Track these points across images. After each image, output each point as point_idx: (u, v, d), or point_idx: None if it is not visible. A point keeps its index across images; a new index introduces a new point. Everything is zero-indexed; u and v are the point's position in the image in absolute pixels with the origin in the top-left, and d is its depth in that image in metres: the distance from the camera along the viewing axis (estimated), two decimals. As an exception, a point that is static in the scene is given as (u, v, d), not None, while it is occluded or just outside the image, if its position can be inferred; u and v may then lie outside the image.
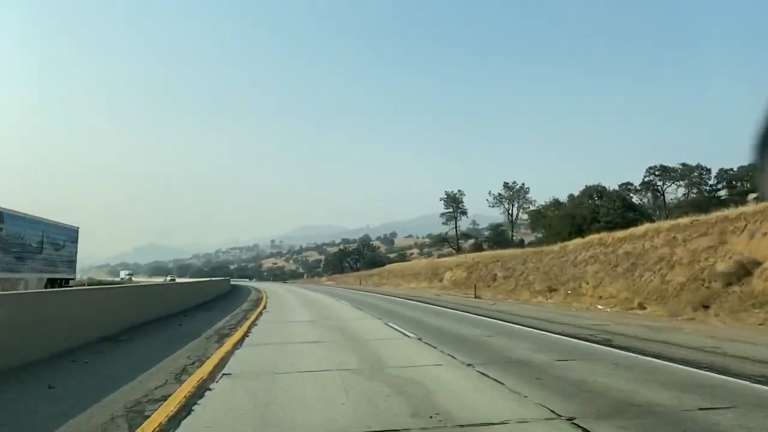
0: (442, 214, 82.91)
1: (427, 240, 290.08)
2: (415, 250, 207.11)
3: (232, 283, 74.60)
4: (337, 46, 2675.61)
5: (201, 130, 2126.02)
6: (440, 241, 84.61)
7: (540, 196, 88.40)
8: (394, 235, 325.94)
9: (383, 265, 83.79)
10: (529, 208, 78.45)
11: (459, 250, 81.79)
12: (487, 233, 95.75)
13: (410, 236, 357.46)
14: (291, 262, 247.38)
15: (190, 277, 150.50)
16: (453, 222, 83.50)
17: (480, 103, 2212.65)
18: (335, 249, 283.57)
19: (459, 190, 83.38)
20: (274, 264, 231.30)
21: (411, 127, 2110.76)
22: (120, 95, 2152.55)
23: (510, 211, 78.90)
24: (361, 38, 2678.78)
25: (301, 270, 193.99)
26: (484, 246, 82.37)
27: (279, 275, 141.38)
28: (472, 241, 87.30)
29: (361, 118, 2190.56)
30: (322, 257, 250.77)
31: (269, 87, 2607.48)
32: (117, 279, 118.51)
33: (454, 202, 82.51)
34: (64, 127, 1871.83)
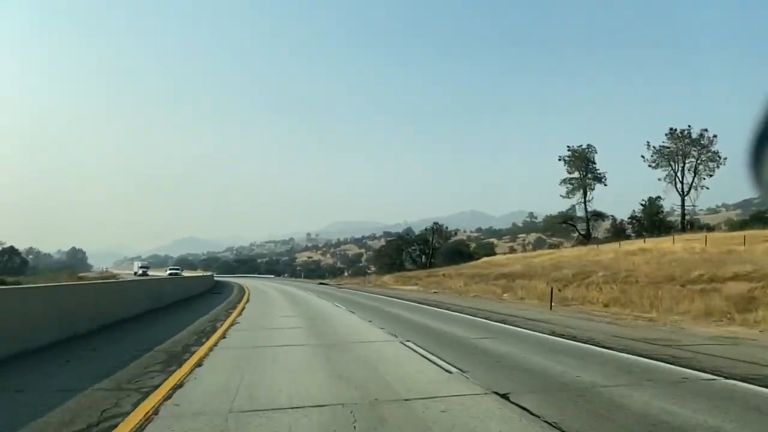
0: (564, 181, 53.75)
1: (479, 234, 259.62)
2: (472, 244, 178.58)
3: (236, 282, 49.38)
4: (368, 45, 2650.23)
5: (238, 127, 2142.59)
6: (561, 222, 54.85)
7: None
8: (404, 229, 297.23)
9: (471, 257, 55.59)
10: (715, 167, 48.47)
11: (589, 238, 52.66)
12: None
13: (457, 230, 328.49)
14: (328, 256, 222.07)
15: (214, 271, 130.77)
16: (575, 195, 53.99)
17: (516, 99, 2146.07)
18: (377, 242, 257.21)
19: (588, 145, 53.96)
20: (309, 258, 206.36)
21: (446, 127, 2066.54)
22: (152, 93, 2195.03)
23: (679, 174, 48.78)
24: (397, 34, 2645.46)
25: (340, 265, 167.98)
26: (629, 231, 53.03)
27: (314, 270, 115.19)
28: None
29: (399, 118, 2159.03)
30: (363, 251, 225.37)
31: (301, 86, 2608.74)
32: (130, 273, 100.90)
33: (584, 161, 53.15)
34: (97, 126, 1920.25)
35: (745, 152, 1.68)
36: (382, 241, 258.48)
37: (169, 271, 79.20)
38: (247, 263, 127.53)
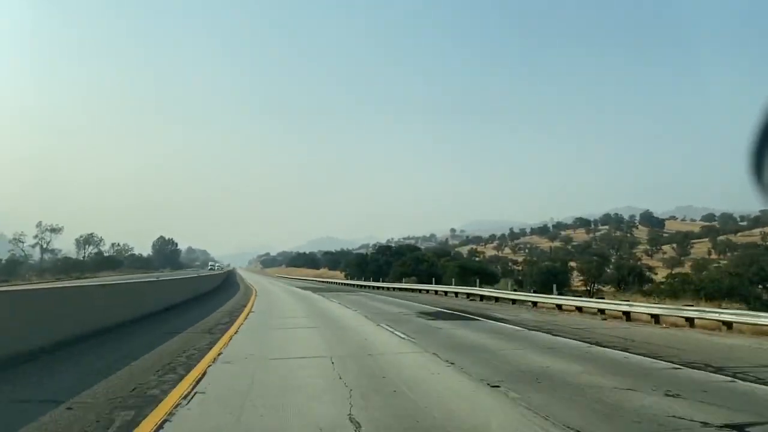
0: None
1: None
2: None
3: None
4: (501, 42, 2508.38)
5: (372, 127, 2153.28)
6: None
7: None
8: (649, 216, 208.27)
9: None
10: None
11: None
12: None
13: (672, 218, 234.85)
14: (506, 250, 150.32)
15: (340, 270, 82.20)
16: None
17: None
18: (572, 233, 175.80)
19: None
20: (479, 252, 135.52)
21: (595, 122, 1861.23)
22: (295, 95, 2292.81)
23: None
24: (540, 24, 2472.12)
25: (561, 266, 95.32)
26: None
27: (555, 276, 44.59)
28: None
29: (522, 118, 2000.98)
30: (559, 243, 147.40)
31: (447, 86, 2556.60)
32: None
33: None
34: (243, 131, 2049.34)
35: (747, 157, 1.70)
36: (582, 232, 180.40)
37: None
38: (405, 255, 61.37)
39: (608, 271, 58.82)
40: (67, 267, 74.05)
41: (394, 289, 40.26)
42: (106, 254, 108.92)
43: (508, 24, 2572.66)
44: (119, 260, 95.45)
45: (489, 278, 43.92)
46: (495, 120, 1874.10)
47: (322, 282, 61.84)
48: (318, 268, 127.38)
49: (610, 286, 57.22)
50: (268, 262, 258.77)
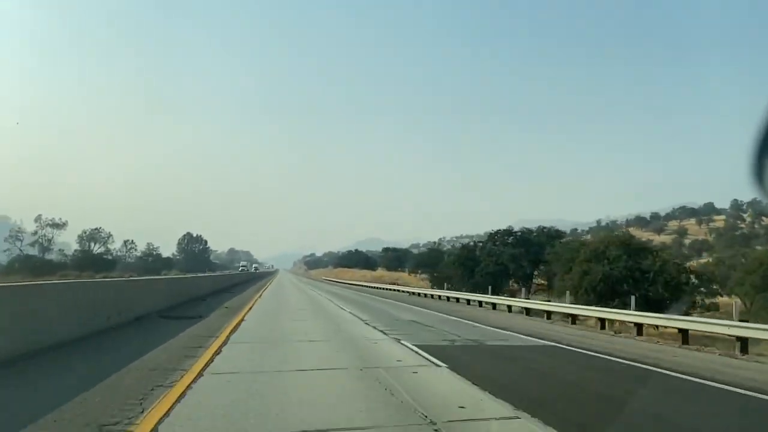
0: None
1: None
2: None
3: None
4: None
5: (412, 129, 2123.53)
6: None
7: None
8: (761, 205, 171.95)
9: None
10: None
11: None
12: None
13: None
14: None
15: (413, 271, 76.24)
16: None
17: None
18: (684, 224, 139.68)
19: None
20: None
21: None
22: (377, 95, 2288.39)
23: None
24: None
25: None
26: None
27: None
28: None
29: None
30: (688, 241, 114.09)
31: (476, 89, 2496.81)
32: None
33: None
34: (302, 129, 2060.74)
35: (749, 157, 1.68)
36: (692, 224, 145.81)
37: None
38: (545, 246, 35.76)
39: None
40: (30, 267, 53.30)
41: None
42: (117, 253, 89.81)
43: (534, 25, 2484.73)
44: (111, 260, 74.88)
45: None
46: (529, 120, 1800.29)
47: (414, 293, 34.34)
48: (374, 269, 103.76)
49: None
50: (312, 263, 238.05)
